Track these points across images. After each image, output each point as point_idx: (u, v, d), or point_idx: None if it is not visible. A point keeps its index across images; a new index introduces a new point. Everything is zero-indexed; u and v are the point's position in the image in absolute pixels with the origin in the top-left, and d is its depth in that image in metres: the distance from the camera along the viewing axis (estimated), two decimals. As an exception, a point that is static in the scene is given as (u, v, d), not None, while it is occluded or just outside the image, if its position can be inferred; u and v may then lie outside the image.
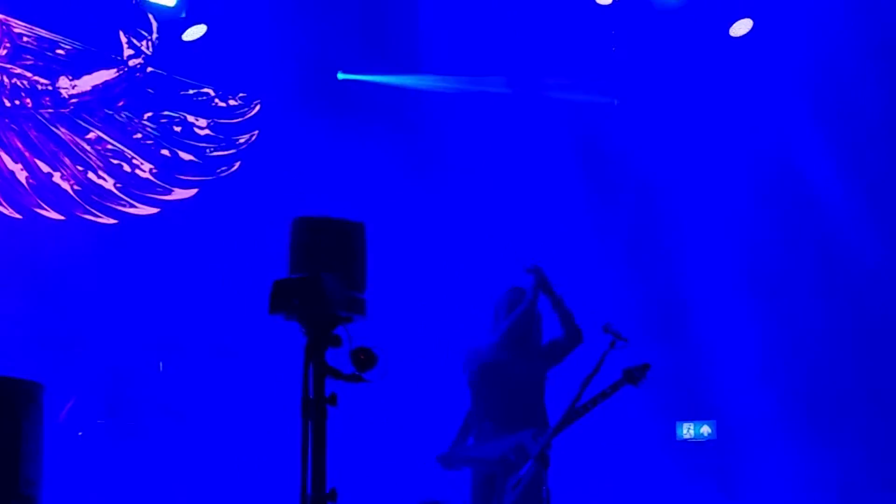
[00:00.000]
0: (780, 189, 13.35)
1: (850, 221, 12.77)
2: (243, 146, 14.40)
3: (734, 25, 13.37)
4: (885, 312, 12.70)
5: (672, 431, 12.52)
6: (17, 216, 12.76)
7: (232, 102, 14.40)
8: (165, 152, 13.86)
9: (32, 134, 12.99)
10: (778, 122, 13.41)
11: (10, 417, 5.11)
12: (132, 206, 13.54)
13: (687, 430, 12.47)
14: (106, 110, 13.49)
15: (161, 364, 11.92)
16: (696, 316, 13.15)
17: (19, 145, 12.88)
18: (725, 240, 13.35)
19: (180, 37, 13.38)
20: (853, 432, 12.44)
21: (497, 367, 8.82)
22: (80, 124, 13.31)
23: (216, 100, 14.31)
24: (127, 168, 13.55)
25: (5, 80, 12.84)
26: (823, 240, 12.98)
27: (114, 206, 13.41)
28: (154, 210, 13.70)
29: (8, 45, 12.89)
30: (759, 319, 12.88)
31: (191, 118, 14.10)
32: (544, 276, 8.70)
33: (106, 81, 13.49)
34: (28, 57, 13.02)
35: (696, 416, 12.55)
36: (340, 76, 14.63)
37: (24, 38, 13.00)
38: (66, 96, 13.24)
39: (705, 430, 12.42)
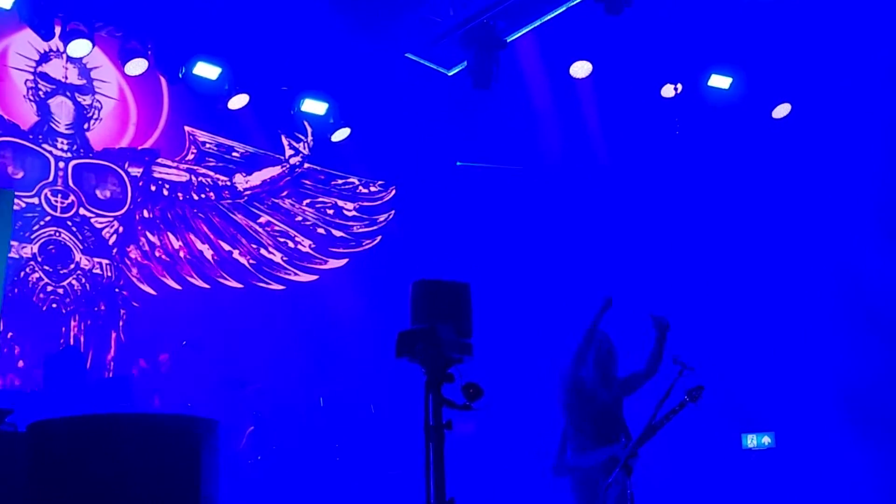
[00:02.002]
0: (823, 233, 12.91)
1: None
2: (383, 223, 14.48)
3: (776, 109, 13.18)
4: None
5: (738, 441, 12.29)
6: (206, 286, 12.90)
7: (373, 189, 14.49)
8: (321, 231, 13.97)
9: (216, 220, 13.13)
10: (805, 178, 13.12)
11: (191, 447, 5.09)
12: (296, 274, 13.65)
13: (751, 441, 12.24)
14: (273, 199, 13.64)
15: (322, 399, 11.92)
16: (758, 353, 12.89)
17: (205, 230, 13.03)
18: (777, 284, 13.09)
19: (330, 138, 13.48)
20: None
21: (588, 396, 8.67)
22: (253, 211, 13.45)
23: (360, 187, 14.41)
24: (291, 244, 13.67)
25: (193, 178, 13.03)
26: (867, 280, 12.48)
27: (281, 275, 13.54)
28: (313, 277, 13.80)
29: (195, 151, 13.10)
30: (810, 354, 12.56)
31: (340, 203, 14.22)
32: (667, 326, 8.48)
33: (272, 177, 13.65)
34: (210, 160, 13.21)
35: (758, 429, 12.30)
36: (459, 164, 14.71)
37: (207, 145, 13.19)
38: (241, 189, 13.39)
39: (766, 440, 12.19)
